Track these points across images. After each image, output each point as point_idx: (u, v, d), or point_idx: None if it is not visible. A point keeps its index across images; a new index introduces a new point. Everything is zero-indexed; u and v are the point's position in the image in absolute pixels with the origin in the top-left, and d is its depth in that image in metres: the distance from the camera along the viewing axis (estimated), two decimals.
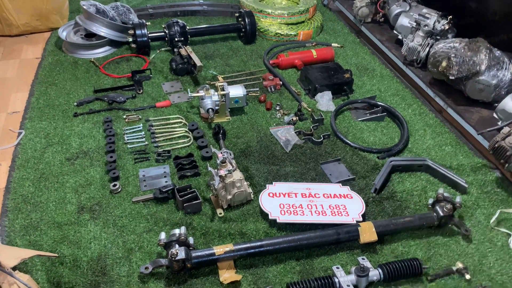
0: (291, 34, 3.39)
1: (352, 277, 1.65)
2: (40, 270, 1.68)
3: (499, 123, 2.29)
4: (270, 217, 1.89)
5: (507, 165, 2.06)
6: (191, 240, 1.73)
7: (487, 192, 2.11)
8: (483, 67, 2.35)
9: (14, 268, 1.31)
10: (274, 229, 1.90)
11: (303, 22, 3.49)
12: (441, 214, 1.87)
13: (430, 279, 1.71)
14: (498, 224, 1.96)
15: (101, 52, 3.15)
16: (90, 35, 3.21)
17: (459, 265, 1.73)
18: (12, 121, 2.51)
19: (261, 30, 3.39)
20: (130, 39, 3.03)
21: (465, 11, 2.97)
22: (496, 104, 2.37)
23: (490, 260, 1.80)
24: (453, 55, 2.43)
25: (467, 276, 1.70)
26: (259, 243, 1.75)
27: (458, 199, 1.88)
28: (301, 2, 3.61)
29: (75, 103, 2.63)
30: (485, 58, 2.36)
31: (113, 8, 3.27)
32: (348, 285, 1.61)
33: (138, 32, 3.01)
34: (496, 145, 2.07)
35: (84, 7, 3.10)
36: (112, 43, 3.19)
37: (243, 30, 3.29)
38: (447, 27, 2.74)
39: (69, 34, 3.25)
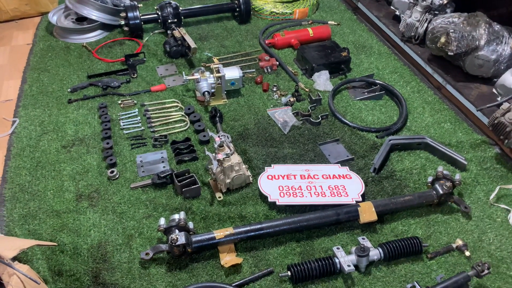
0: (286, 13, 3.32)
1: (353, 257, 1.65)
2: (41, 259, 1.68)
3: (499, 98, 2.26)
4: (269, 200, 1.88)
5: (506, 141, 2.05)
6: (191, 224, 1.73)
7: (487, 169, 2.10)
8: (482, 42, 2.31)
9: (13, 259, 1.30)
10: (274, 212, 1.90)
11: (298, 0, 3.41)
12: (441, 192, 1.87)
13: (430, 257, 1.72)
14: (497, 200, 1.96)
15: (93, 36, 3.09)
16: (81, 19, 3.14)
17: (459, 242, 1.74)
18: (5, 109, 2.48)
19: (255, 9, 3.32)
20: (122, 22, 2.97)
21: None
22: (496, 80, 2.34)
23: (489, 237, 1.80)
24: (451, 30, 2.38)
25: (467, 253, 1.71)
26: (259, 226, 1.75)
27: (457, 176, 1.88)
28: None
29: (68, 89, 2.59)
30: (484, 33, 2.31)
31: None
32: (348, 265, 1.61)
33: (130, 14, 2.94)
34: (495, 121, 2.05)
35: None
36: (104, 26, 3.13)
37: (237, 9, 3.22)
38: (445, 1, 2.68)
39: (59, 19, 3.18)
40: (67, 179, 2.04)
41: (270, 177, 2.00)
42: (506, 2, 2.62)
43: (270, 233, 1.76)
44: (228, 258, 1.70)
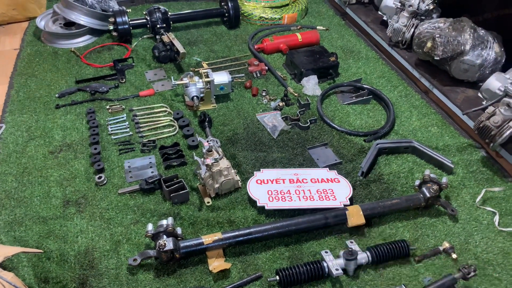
0: (275, 18, 3.34)
1: (341, 261, 1.66)
2: (27, 266, 1.65)
3: (484, 102, 2.29)
4: (258, 204, 1.88)
5: (492, 144, 2.08)
6: (179, 230, 1.72)
7: (473, 172, 2.13)
8: (467, 47, 2.35)
9: None
10: (263, 216, 1.90)
11: (287, 5, 3.43)
12: (428, 195, 1.88)
13: (417, 260, 1.73)
14: (483, 203, 1.98)
15: (82, 41, 3.07)
16: (69, 24, 3.12)
17: (446, 245, 1.75)
18: None
19: (245, 14, 3.34)
20: (111, 27, 2.96)
21: None
22: (481, 84, 2.37)
23: (476, 239, 1.82)
24: (437, 35, 2.42)
25: (454, 256, 1.72)
26: (247, 231, 1.75)
27: (444, 179, 1.89)
28: None
29: (56, 95, 2.57)
30: (470, 38, 2.35)
31: None
32: (337, 269, 1.62)
33: (118, 19, 2.94)
34: (481, 125, 2.08)
35: None
36: (92, 31, 3.11)
37: (226, 14, 3.23)
38: (431, 7, 2.72)
39: (47, 24, 3.16)
40: (54, 185, 2.02)
41: (259, 181, 2.00)
42: (490, 8, 2.67)
43: (258, 237, 1.76)
44: (216, 264, 1.69)
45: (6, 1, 3.19)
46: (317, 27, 3.32)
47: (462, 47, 2.36)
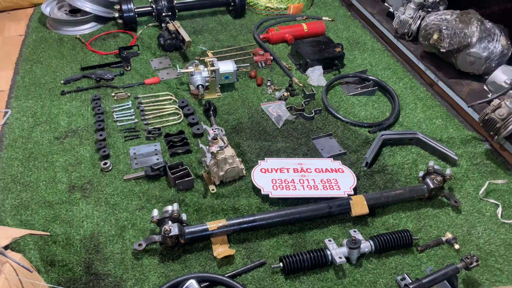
0: (281, 8, 3.33)
1: (344, 249, 1.67)
2: (33, 249, 1.68)
3: (489, 95, 2.29)
4: (262, 193, 1.90)
5: (496, 137, 2.08)
6: (184, 216, 1.74)
7: (477, 164, 2.13)
8: (474, 39, 2.34)
9: (6, 247, 1.30)
10: (267, 204, 1.92)
11: None
12: (431, 186, 1.89)
13: (420, 250, 1.74)
14: (486, 195, 1.99)
15: (87, 28, 3.07)
16: (74, 10, 3.12)
17: (449, 235, 1.76)
18: None
19: (250, 3, 3.32)
20: (116, 15, 2.95)
21: None
22: (487, 77, 2.37)
23: (478, 230, 1.83)
24: (444, 27, 2.41)
25: (456, 246, 1.74)
26: (251, 218, 1.76)
27: (448, 171, 1.90)
28: None
29: (62, 81, 2.57)
30: (476, 30, 2.34)
31: None
32: (340, 257, 1.63)
33: (124, 7, 2.93)
34: (486, 117, 2.08)
35: None
36: (98, 19, 3.11)
37: (232, 3, 3.22)
38: None
39: (52, 10, 3.16)
40: (59, 171, 2.03)
41: (263, 170, 2.01)
42: (498, 0, 2.65)
43: (262, 225, 1.78)
44: (220, 250, 1.71)
45: None
46: (323, 18, 3.31)
47: (469, 40, 2.35)
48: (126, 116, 2.35)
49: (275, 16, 3.33)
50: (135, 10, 2.97)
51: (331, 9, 3.48)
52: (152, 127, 2.28)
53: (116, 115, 2.34)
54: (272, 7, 3.32)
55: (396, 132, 2.29)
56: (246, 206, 1.89)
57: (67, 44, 2.92)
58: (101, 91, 2.52)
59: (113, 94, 2.48)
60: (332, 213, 1.83)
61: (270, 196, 1.88)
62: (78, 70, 2.68)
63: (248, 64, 2.74)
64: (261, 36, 3.02)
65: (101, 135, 2.18)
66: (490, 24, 2.40)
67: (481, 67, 2.41)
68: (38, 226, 1.78)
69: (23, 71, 2.65)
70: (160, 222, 1.69)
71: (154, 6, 3.00)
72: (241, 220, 1.75)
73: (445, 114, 2.45)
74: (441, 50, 2.43)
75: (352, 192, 1.91)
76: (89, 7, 3.03)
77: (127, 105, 2.42)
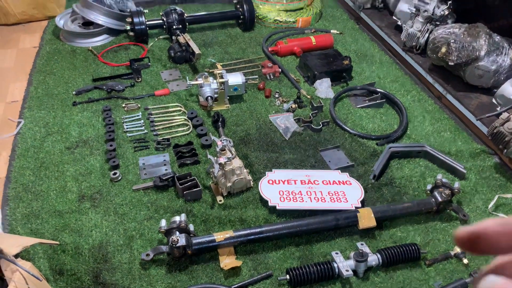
0: (290, 21, 3.37)
1: (351, 262, 1.67)
2: (42, 257, 1.70)
3: (498, 108, 2.29)
4: (269, 204, 1.90)
5: (505, 150, 2.07)
6: (191, 227, 1.75)
7: (486, 178, 2.12)
8: (482, 53, 2.34)
9: (16, 256, 1.32)
10: (274, 216, 1.92)
11: (302, 8, 3.46)
12: (440, 199, 1.88)
13: (428, 264, 1.73)
14: (496, 209, 1.97)
15: (99, 40, 3.13)
16: (87, 23, 3.18)
17: (457, 249, 1.75)
18: (11, 110, 2.51)
19: (259, 17, 3.37)
20: (128, 27, 3.01)
21: None
22: (495, 90, 2.37)
23: None
24: (452, 40, 2.42)
25: (465, 261, 1.72)
26: (258, 230, 1.77)
27: (456, 184, 1.89)
28: None
29: (73, 92, 2.62)
30: (485, 44, 2.35)
31: None
32: (347, 270, 1.63)
33: (135, 20, 2.99)
34: (494, 131, 2.08)
35: None
36: (110, 31, 3.17)
37: (241, 17, 3.27)
38: (446, 12, 2.72)
39: (66, 23, 3.23)
40: (70, 180, 2.06)
41: (270, 181, 2.02)
42: (506, 14, 2.66)
43: (269, 237, 1.78)
44: (227, 261, 1.71)
45: (27, 0, 3.27)
46: (331, 31, 3.34)
47: (477, 53, 2.36)
48: (136, 126, 2.38)
49: (283, 29, 3.37)
50: (146, 23, 3.03)
51: (339, 22, 3.51)
52: (161, 138, 2.30)
53: (126, 125, 2.38)
54: (281, 20, 3.36)
55: (404, 144, 2.29)
56: (253, 218, 1.90)
57: (80, 56, 2.98)
58: (112, 102, 2.57)
59: (123, 105, 2.52)
60: (339, 225, 1.83)
61: (277, 207, 1.89)
62: (89, 81, 2.73)
63: (256, 76, 2.77)
64: (269, 49, 3.05)
65: (111, 145, 2.22)
66: (498, 37, 2.40)
67: (490, 80, 2.41)
68: (48, 235, 1.80)
69: (37, 82, 2.71)
70: (168, 232, 1.70)
71: (165, 19, 3.05)
72: (248, 231, 1.76)
73: (453, 127, 2.45)
74: (450, 63, 2.44)
75: (360, 205, 1.91)
76: (101, 20, 3.09)
77: (137, 116, 2.46)
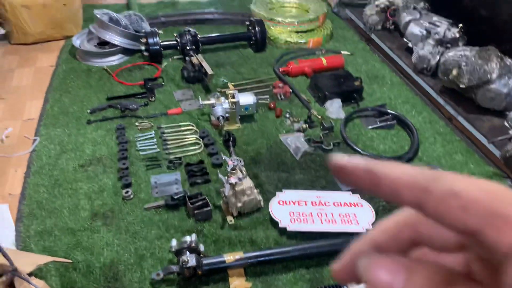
0: (301, 42, 3.41)
1: (362, 286, 1.65)
2: (54, 275, 1.71)
3: (511, 131, 2.27)
4: (280, 225, 1.90)
5: None
6: (201, 247, 1.75)
7: None
8: (494, 76, 2.35)
9: (30, 274, 1.34)
10: (284, 237, 1.92)
11: (313, 30, 3.51)
12: None
13: None
14: None
15: (114, 60, 3.20)
16: (103, 43, 3.26)
17: None
18: (27, 128, 2.57)
19: (271, 38, 3.42)
20: (143, 48, 3.08)
21: (476, 19, 2.97)
22: (507, 113, 2.36)
23: None
24: (463, 63, 2.43)
25: None
26: (269, 251, 1.77)
27: None
28: (311, 10, 3.64)
29: (88, 111, 2.68)
30: (496, 67, 2.35)
31: (126, 16, 3.33)
32: None
33: (150, 40, 3.06)
34: (507, 155, 2.06)
35: (98, 15, 3.17)
36: (125, 51, 3.25)
37: (253, 38, 3.32)
38: (457, 35, 2.74)
39: (83, 42, 3.32)
40: (83, 198, 2.09)
41: (281, 202, 2.02)
42: None
43: (280, 258, 1.78)
44: (237, 282, 1.71)
45: (45, 21, 3.37)
46: (342, 52, 3.38)
47: (489, 76, 2.36)
48: (149, 145, 2.42)
49: (295, 50, 3.41)
50: (161, 43, 3.10)
51: (350, 43, 3.55)
52: (173, 157, 2.33)
53: (139, 144, 2.41)
54: (292, 41, 3.41)
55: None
56: (263, 239, 1.90)
57: (95, 75, 3.05)
58: (125, 120, 2.61)
59: (137, 124, 2.56)
60: None
61: (288, 229, 1.89)
62: (104, 100, 2.78)
63: (267, 96, 2.80)
64: (280, 69, 3.09)
65: (124, 163, 2.25)
66: (510, 60, 2.41)
67: (502, 103, 2.41)
68: (60, 252, 1.82)
69: (53, 100, 2.78)
70: (178, 252, 1.71)
71: (179, 40, 3.12)
72: (258, 253, 1.76)
73: (465, 149, 2.44)
74: (461, 85, 2.45)
75: (371, 228, 1.90)
76: (117, 40, 3.17)
77: (150, 134, 2.49)
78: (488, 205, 0.23)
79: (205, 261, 1.71)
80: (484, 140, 2.39)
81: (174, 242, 1.73)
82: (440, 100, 2.73)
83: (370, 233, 0.33)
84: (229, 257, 1.73)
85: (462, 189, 0.24)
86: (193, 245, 1.70)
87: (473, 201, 0.23)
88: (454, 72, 2.48)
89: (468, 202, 0.23)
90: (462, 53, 2.52)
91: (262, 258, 1.75)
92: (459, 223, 0.23)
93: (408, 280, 0.24)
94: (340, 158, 0.29)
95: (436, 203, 0.24)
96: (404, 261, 0.25)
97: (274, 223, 1.96)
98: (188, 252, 1.69)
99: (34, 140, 2.45)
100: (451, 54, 2.57)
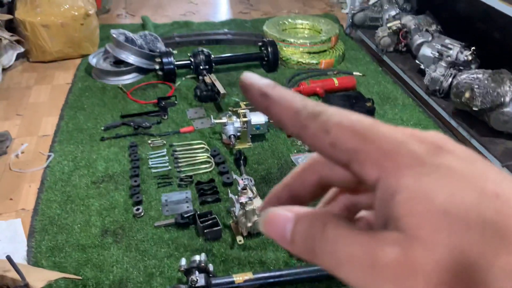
0: (313, 63, 3.44)
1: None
2: None
3: None
4: None
5: None
6: (211, 267, 1.75)
7: None
8: (507, 99, 2.33)
9: None
10: (294, 259, 1.90)
11: (325, 51, 3.54)
12: None
13: None
14: None
15: (129, 78, 3.27)
16: (118, 62, 3.33)
17: None
18: (42, 144, 2.62)
19: (283, 58, 3.46)
20: (157, 67, 3.14)
21: (488, 42, 2.97)
22: None
23: None
24: (476, 86, 2.42)
25: None
26: (278, 273, 1.75)
27: None
28: (323, 31, 3.68)
29: (102, 128, 2.72)
30: (509, 90, 2.34)
31: (142, 36, 3.41)
32: None
33: (165, 60, 3.12)
34: None
35: (114, 35, 3.25)
36: (139, 70, 3.31)
37: (265, 58, 3.37)
38: (470, 58, 2.74)
39: (99, 61, 3.39)
40: (94, 214, 2.11)
41: None
42: None
43: (289, 280, 1.76)
44: None
45: (64, 40, 3.47)
46: (354, 73, 3.40)
47: (502, 99, 2.35)
48: (161, 163, 2.44)
49: (306, 70, 3.44)
50: (175, 63, 3.15)
51: (362, 64, 3.57)
52: (185, 175, 2.35)
53: (151, 162, 2.44)
54: (304, 62, 3.44)
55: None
56: (273, 260, 1.89)
57: (109, 93, 3.10)
58: (138, 138, 2.64)
59: (149, 142, 2.59)
60: None
61: None
62: (118, 118, 2.83)
63: None
64: (292, 90, 3.10)
65: (135, 181, 2.27)
66: None
67: None
68: (70, 268, 1.83)
69: (68, 117, 2.83)
70: (188, 271, 1.70)
71: (193, 59, 3.18)
72: (267, 274, 1.74)
73: None
74: (474, 108, 2.43)
75: None
76: (132, 59, 3.24)
77: (162, 152, 2.52)
78: (353, 141, 0.24)
79: (214, 281, 1.70)
80: (497, 164, 2.36)
81: (183, 261, 1.72)
82: (453, 122, 2.71)
83: (284, 179, 0.34)
84: (238, 278, 1.71)
85: (333, 125, 0.25)
86: (202, 264, 1.70)
87: (340, 137, 0.24)
88: (467, 94, 2.47)
89: (337, 139, 0.25)
90: (474, 75, 2.51)
91: (272, 280, 1.74)
92: (332, 158, 0.25)
93: (294, 228, 0.25)
94: (248, 76, 0.30)
95: (311, 139, 0.26)
96: (295, 210, 0.26)
97: None
98: (197, 272, 1.69)
99: (49, 156, 2.49)
100: (463, 76, 2.57)
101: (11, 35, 3.31)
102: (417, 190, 0.22)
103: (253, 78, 0.29)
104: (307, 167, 0.32)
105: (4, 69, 3.29)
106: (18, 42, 3.38)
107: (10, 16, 3.36)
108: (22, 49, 3.40)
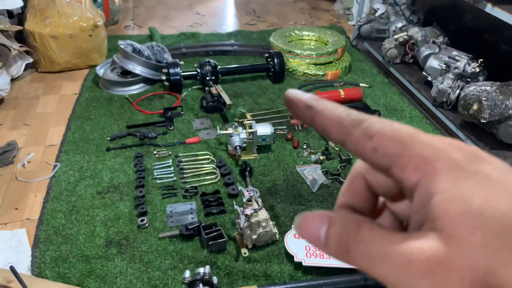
0: (319, 74, 3.44)
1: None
2: None
3: None
4: (295, 260, 1.86)
5: None
6: (215, 279, 1.72)
7: None
8: None
9: None
10: (300, 272, 1.87)
11: (331, 62, 3.54)
12: None
13: None
14: None
15: (136, 89, 3.28)
16: (125, 72, 3.36)
17: None
18: (48, 153, 2.63)
19: (289, 69, 3.47)
20: (164, 77, 3.16)
21: (496, 54, 2.95)
22: None
23: None
24: (484, 98, 2.40)
25: None
26: (283, 286, 1.73)
27: None
28: (329, 43, 3.69)
29: (108, 138, 2.72)
30: None
31: (149, 47, 3.43)
32: None
33: (171, 70, 3.13)
34: None
35: (122, 46, 3.27)
36: (146, 80, 3.33)
37: (272, 69, 3.37)
38: (477, 70, 2.72)
39: (106, 71, 3.42)
40: (99, 225, 2.10)
41: (297, 236, 1.98)
42: None
43: None
44: None
45: (72, 50, 3.50)
46: (360, 84, 3.39)
47: (510, 111, 2.32)
48: (166, 174, 2.43)
49: (313, 81, 3.44)
50: (182, 73, 3.17)
51: (368, 76, 3.56)
52: (189, 186, 2.34)
53: (156, 172, 2.43)
54: (310, 73, 3.44)
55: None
56: (278, 273, 1.86)
57: (116, 103, 3.12)
58: (144, 148, 2.65)
59: (155, 152, 2.59)
60: (368, 286, 1.76)
61: (304, 264, 1.84)
62: (124, 128, 2.83)
63: (285, 127, 2.81)
64: None
65: (140, 191, 2.26)
66: None
67: None
68: (74, 279, 1.81)
69: (74, 127, 2.84)
70: (192, 284, 1.68)
71: (199, 70, 3.19)
72: (272, 287, 1.71)
73: None
74: (482, 120, 2.41)
75: None
76: (139, 69, 3.26)
77: (168, 163, 2.51)
78: (395, 146, 0.26)
79: None
80: None
81: (187, 274, 1.70)
82: (461, 134, 2.69)
83: (338, 200, 0.36)
84: None
85: (376, 131, 0.26)
86: (207, 277, 1.67)
87: (382, 143, 0.26)
88: (475, 106, 2.45)
89: (379, 144, 0.26)
90: (482, 88, 2.49)
91: None
92: (374, 163, 0.27)
93: (328, 230, 0.27)
94: (293, 92, 0.32)
95: (354, 144, 0.27)
96: (328, 214, 0.28)
97: (290, 257, 1.92)
98: (201, 284, 1.66)
99: (55, 166, 2.50)
100: (471, 88, 2.55)
101: (21, 46, 3.35)
102: (455, 193, 0.23)
103: (298, 93, 0.32)
104: (353, 178, 0.34)
105: (13, 79, 3.32)
106: (27, 52, 3.42)
107: (19, 27, 3.40)
108: (31, 60, 3.44)
